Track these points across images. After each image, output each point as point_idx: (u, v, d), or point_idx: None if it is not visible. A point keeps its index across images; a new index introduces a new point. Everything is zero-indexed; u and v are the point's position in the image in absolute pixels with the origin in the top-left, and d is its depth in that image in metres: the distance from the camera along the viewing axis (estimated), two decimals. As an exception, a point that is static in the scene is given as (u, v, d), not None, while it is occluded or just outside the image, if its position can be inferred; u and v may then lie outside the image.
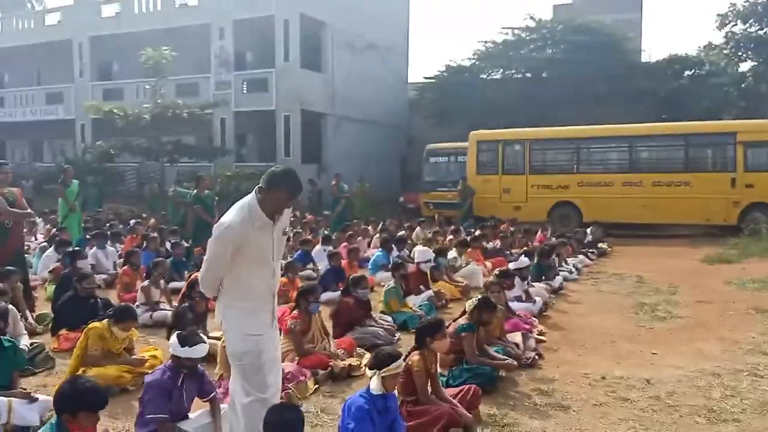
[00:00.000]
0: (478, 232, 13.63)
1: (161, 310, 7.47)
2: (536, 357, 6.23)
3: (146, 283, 7.55)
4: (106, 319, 5.37)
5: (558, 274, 10.54)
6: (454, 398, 4.73)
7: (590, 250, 14.13)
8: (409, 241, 13.94)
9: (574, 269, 11.59)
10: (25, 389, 4.63)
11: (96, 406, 3.27)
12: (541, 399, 5.21)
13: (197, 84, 27.42)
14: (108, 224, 15.16)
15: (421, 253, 8.68)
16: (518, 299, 8.10)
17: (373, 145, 29.08)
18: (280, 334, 4.88)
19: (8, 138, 34.02)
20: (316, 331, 5.96)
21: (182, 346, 4.08)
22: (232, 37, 26.64)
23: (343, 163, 26.45)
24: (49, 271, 9.45)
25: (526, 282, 8.51)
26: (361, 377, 5.75)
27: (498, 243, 13.13)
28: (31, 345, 6.02)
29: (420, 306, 7.96)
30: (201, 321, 6.38)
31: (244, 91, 26.82)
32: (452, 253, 10.54)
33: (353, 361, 5.87)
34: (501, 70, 29.59)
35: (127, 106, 24.55)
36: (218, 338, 6.36)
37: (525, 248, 11.13)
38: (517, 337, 6.48)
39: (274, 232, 3.75)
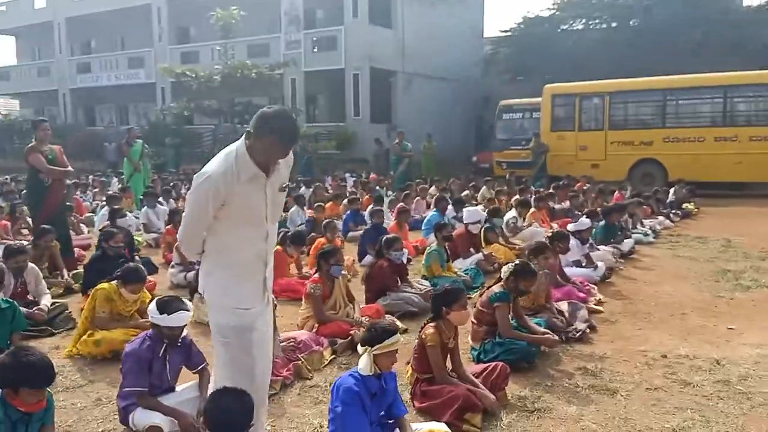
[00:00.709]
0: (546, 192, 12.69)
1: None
2: (587, 330, 5.51)
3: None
4: (115, 281, 5.08)
5: (629, 237, 9.59)
6: (478, 377, 4.14)
7: (672, 211, 12.92)
8: (473, 202, 13.27)
9: (650, 231, 10.54)
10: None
11: (38, 383, 2.92)
12: (585, 380, 4.52)
13: (268, 44, 27.27)
14: (171, 185, 15.24)
15: (470, 213, 7.99)
16: (577, 264, 7.32)
17: (446, 103, 28.14)
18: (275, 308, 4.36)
19: (96, 102, 35.32)
20: (339, 296, 5.48)
21: (160, 313, 3.68)
22: (302, -6, 26.20)
23: (414, 122, 25.75)
24: (99, 230, 9.43)
25: (587, 245, 7.68)
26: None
27: (567, 203, 12.17)
28: (52, 305, 5.87)
29: (466, 270, 7.33)
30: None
31: (314, 50, 26.42)
32: (512, 214, 9.76)
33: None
34: (583, 20, 27.73)
35: (200, 68, 24.68)
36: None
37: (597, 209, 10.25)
38: (562, 306, 5.77)
39: (267, 187, 3.12)
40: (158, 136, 25.68)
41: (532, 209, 10.89)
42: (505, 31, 29.34)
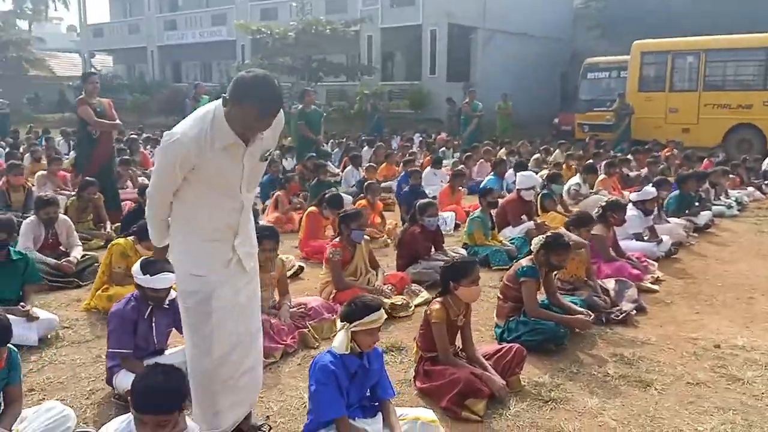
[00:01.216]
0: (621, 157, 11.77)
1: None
2: (633, 312, 4.95)
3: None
4: (131, 236, 4.98)
5: (709, 209, 8.72)
6: (489, 358, 3.74)
7: (765, 182, 11.73)
8: (544, 166, 12.54)
9: (735, 203, 9.56)
10: (26, 307, 4.35)
11: (-9, 341, 2.78)
12: (617, 369, 4.02)
13: (346, 1, 26.81)
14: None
15: (524, 178, 7.40)
16: (638, 237, 6.65)
17: (529, 61, 26.82)
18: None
19: (183, 59, 36.19)
20: (360, 262, 5.16)
21: (143, 273, 3.49)
22: (382, -53, 25.47)
23: (494, 81, 24.79)
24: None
25: (652, 217, 6.98)
26: (405, 319, 4.91)
27: (645, 171, 11.25)
28: (82, 257, 5.88)
29: (512, 240, 6.82)
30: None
31: (392, 6, 25.75)
32: (575, 180, 9.06)
33: (398, 299, 5.01)
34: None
35: (274, 24, 24.61)
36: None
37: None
38: (609, 283, 5.21)
39: (245, 157, 2.78)
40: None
41: (602, 176, 10.13)
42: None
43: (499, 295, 4.58)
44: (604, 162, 10.52)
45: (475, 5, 25.05)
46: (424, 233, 5.85)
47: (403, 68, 28.12)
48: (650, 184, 7.47)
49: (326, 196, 6.75)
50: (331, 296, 4.97)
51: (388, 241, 7.37)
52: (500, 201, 7.52)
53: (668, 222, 7.57)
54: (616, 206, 5.89)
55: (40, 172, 9.16)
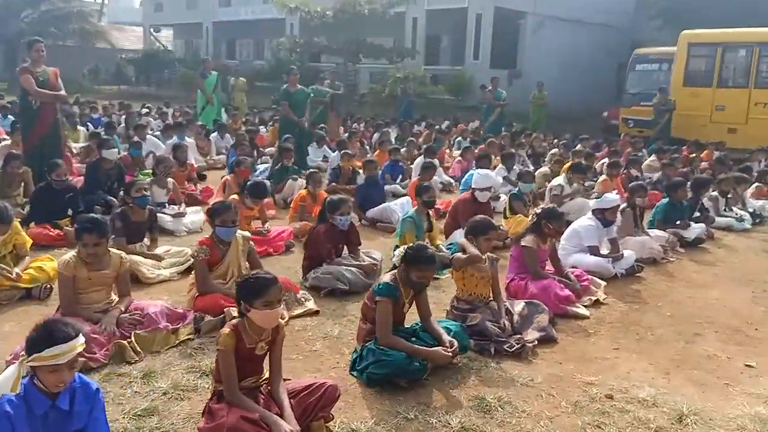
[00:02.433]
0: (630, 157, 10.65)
1: (163, 213, 6.60)
2: (534, 343, 4.18)
3: (147, 180, 6.71)
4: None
5: (711, 221, 7.71)
6: (296, 395, 3.10)
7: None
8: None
9: (748, 216, 8.42)
10: None
11: None
12: (466, 418, 3.29)
13: (394, -20, 26.01)
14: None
15: (479, 177, 6.60)
16: (593, 251, 5.80)
17: (583, 50, 25.40)
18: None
19: (238, 36, 36.33)
20: (233, 263, 4.58)
21: None
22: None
23: (542, 69, 23.59)
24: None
25: (614, 228, 6.09)
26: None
27: (659, 174, 10.14)
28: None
29: (450, 246, 6.08)
30: (136, 234, 5.37)
31: (440, -13, 24.83)
32: (559, 180, 8.14)
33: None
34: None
35: (310, 3, 24.14)
36: (157, 257, 5.41)
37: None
38: (518, 306, 4.46)
39: None
40: (278, 72, 25.73)
41: (603, 177, 9.21)
42: (662, -32, 25.62)
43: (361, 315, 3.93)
44: (606, 162, 9.52)
45: (525, -12, 23.83)
46: (332, 233, 5.21)
47: (449, 53, 27.15)
48: (614, 192, 6.55)
49: (247, 183, 6.20)
50: (194, 300, 4.44)
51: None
52: (456, 200, 6.80)
53: (647, 234, 6.64)
54: (552, 215, 5.07)
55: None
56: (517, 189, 7.43)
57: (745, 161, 12.07)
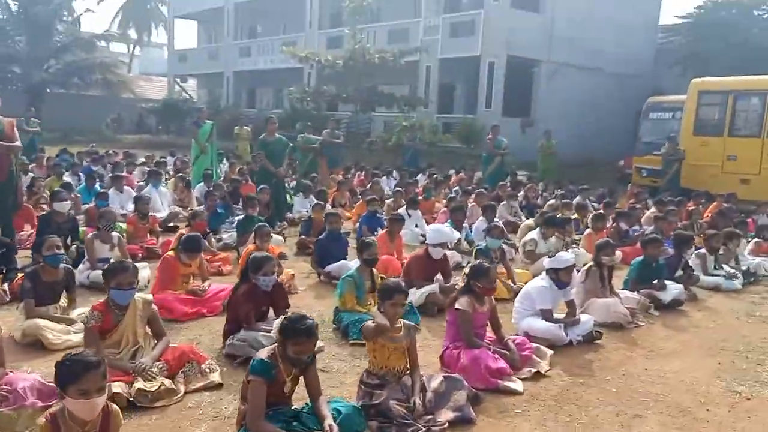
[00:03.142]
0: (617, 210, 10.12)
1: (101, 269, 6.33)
2: (445, 425, 3.74)
3: (90, 235, 6.50)
4: None
5: (695, 280, 7.19)
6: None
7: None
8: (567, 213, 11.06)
9: (740, 275, 7.82)
10: None
11: None
12: None
13: (407, 30, 26.31)
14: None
15: (434, 232, 6.22)
16: (545, 315, 5.34)
17: (599, 98, 25.08)
18: None
19: (258, 85, 36.94)
20: (129, 330, 4.23)
21: None
22: (444, -25, 24.79)
23: (557, 118, 23.36)
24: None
25: (575, 289, 5.65)
26: (166, 408, 3.93)
27: (651, 227, 9.62)
28: None
29: None
30: (49, 295, 5.07)
31: (453, 36, 24.85)
32: (532, 234, 7.70)
33: (159, 383, 4.00)
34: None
35: (321, 53, 24.41)
36: (69, 320, 5.12)
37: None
38: (435, 381, 4.03)
39: None
40: (293, 121, 25.92)
41: (588, 231, 8.76)
42: (681, 17, 25.43)
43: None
44: (591, 214, 9.07)
45: (539, 37, 23.73)
46: (254, 294, 4.86)
47: (463, 101, 27.07)
48: (568, 249, 6.11)
49: (182, 236, 5.93)
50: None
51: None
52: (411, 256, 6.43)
53: (616, 296, 6.16)
54: (478, 272, 4.66)
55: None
56: (483, 244, 7.02)
57: (752, 214, 11.48)
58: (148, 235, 7.90)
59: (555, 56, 24.21)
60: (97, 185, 10.54)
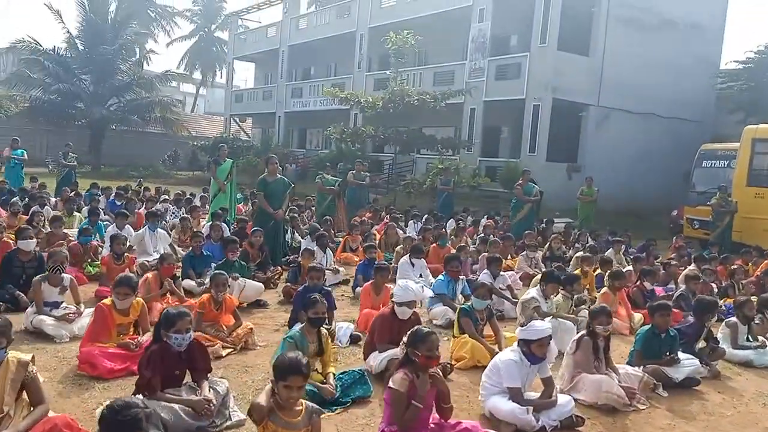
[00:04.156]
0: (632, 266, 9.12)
1: (48, 314, 5.92)
2: None
3: (38, 277, 6.10)
4: None
5: (718, 353, 6.22)
6: None
7: None
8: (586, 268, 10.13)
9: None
10: None
11: None
12: None
13: (453, 72, 25.94)
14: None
15: (400, 289, 5.52)
16: (514, 394, 4.55)
17: (654, 144, 23.89)
18: None
19: (309, 125, 37.26)
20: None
21: None
22: (491, 18, 24.33)
23: (606, 164, 22.38)
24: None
25: (547, 363, 4.82)
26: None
27: (683, 287, 8.60)
28: None
29: (341, 376, 4.95)
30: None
31: (498, 79, 24.28)
32: (532, 293, 6.86)
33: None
34: None
35: (361, 93, 24.26)
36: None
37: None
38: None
39: None
40: (337, 160, 25.75)
41: (604, 289, 7.85)
42: (741, 62, 24.08)
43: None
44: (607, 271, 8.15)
45: (587, 80, 22.86)
46: (166, 356, 4.27)
47: (509, 144, 26.30)
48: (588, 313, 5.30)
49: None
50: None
51: (236, 348, 5.86)
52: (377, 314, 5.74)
53: (614, 371, 5.29)
54: (417, 338, 3.96)
55: None
56: (468, 304, 6.26)
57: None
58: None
59: (604, 100, 23.24)
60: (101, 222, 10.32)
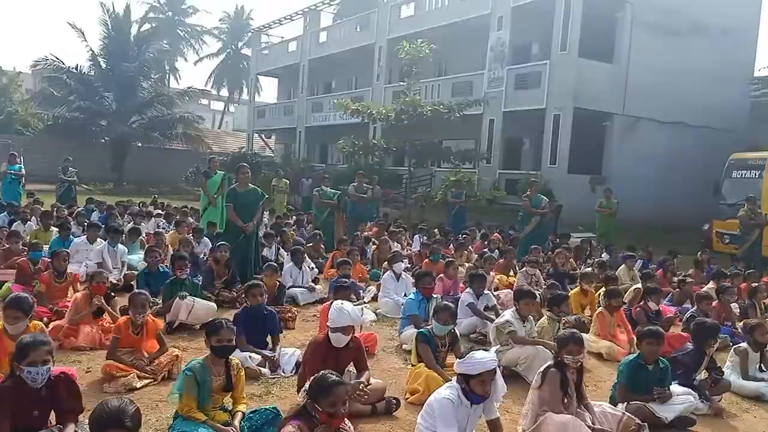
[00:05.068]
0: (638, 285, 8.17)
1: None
2: None
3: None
4: None
5: (723, 386, 5.29)
6: None
7: None
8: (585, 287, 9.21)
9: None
10: None
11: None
12: None
13: (471, 82, 25.17)
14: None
15: (335, 313, 4.73)
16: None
17: (686, 154, 22.58)
18: None
19: (330, 140, 36.77)
20: None
21: None
22: (510, 26, 23.52)
23: (633, 176, 21.38)
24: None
25: (497, 403, 4.00)
26: None
27: (692, 308, 7.63)
28: None
29: (250, 416, 4.18)
30: None
31: (518, 89, 23.39)
32: (507, 315, 6.01)
33: None
34: None
35: (372, 105, 23.69)
36: None
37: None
38: None
39: None
40: (352, 173, 25.12)
41: (600, 309, 6.98)
42: (776, 67, 22.81)
43: None
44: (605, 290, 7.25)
45: (611, 88, 21.82)
46: (20, 393, 3.56)
47: (530, 156, 25.32)
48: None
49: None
50: None
51: (157, 378, 5.16)
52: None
53: (588, 410, 4.43)
54: (321, 390, 3.22)
55: None
56: (428, 327, 5.46)
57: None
58: (67, 295, 6.89)
59: (630, 109, 22.14)
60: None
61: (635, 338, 5.17)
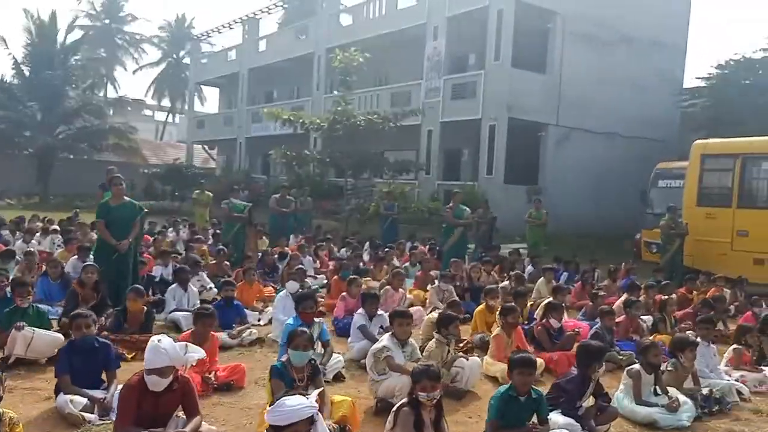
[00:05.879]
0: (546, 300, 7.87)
1: None
2: None
3: None
4: None
5: (609, 414, 4.93)
6: None
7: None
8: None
9: (689, 402, 5.46)
10: None
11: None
12: None
13: (409, 92, 24.94)
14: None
15: (150, 353, 3.98)
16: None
17: (617, 165, 22.72)
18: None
19: (270, 151, 36.07)
20: None
21: None
22: (446, 36, 23.38)
23: (568, 186, 21.44)
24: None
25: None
26: None
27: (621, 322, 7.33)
28: None
29: None
30: None
31: (454, 99, 23.24)
32: (386, 340, 5.54)
33: None
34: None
35: (303, 114, 23.25)
36: None
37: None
38: None
39: None
40: (301, 186, 24.49)
41: (497, 331, 6.63)
42: (703, 78, 23.23)
43: None
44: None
45: (545, 98, 21.85)
46: None
47: (470, 167, 25.18)
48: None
49: None
50: None
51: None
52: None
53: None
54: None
55: None
56: (282, 360, 4.93)
57: (754, 305, 8.99)
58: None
59: (564, 119, 22.21)
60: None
61: (507, 368, 4.74)
